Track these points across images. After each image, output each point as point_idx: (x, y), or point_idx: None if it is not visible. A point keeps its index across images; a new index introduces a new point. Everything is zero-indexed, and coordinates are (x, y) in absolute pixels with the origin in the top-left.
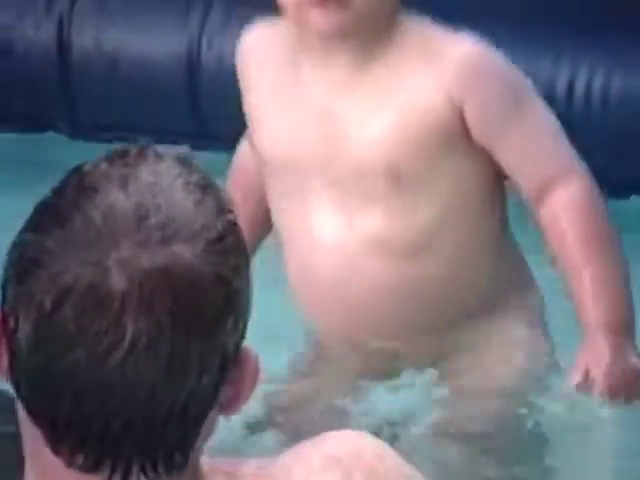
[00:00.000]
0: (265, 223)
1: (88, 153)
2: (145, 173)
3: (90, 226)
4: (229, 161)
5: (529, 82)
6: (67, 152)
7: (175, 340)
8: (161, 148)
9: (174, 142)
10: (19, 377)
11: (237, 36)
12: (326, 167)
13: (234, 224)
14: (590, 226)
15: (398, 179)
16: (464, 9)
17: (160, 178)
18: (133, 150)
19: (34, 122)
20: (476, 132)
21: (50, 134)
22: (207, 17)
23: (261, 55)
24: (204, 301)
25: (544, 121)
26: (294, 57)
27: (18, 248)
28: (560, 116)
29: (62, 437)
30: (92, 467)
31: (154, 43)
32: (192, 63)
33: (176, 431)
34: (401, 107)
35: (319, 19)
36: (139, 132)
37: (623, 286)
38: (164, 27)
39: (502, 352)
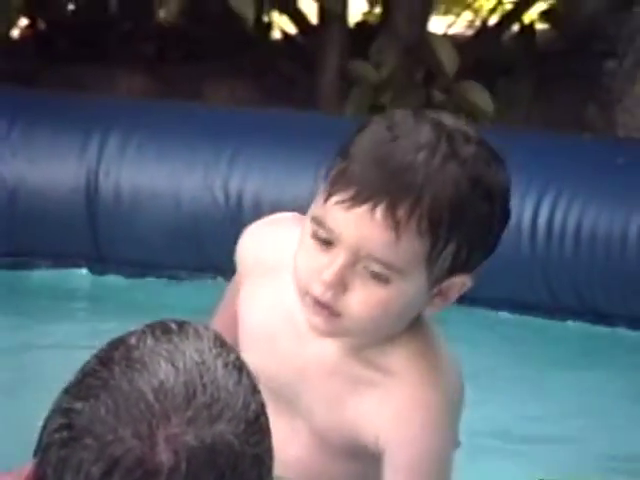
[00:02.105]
0: None
1: None
2: (190, 351)
3: (142, 400)
4: (126, 284)
5: (449, 451)
6: None
7: None
8: (197, 325)
9: (73, 265)
10: None
11: (133, 164)
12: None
13: (263, 404)
14: None
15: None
16: None
17: (204, 357)
18: (174, 326)
19: None
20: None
21: None
22: (104, 147)
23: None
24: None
25: None
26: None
27: (66, 415)
28: None
29: None
30: None
31: (53, 173)
32: (90, 191)
33: None
34: (347, 421)
35: (315, 319)
36: (39, 257)
37: None
38: (63, 158)
39: None
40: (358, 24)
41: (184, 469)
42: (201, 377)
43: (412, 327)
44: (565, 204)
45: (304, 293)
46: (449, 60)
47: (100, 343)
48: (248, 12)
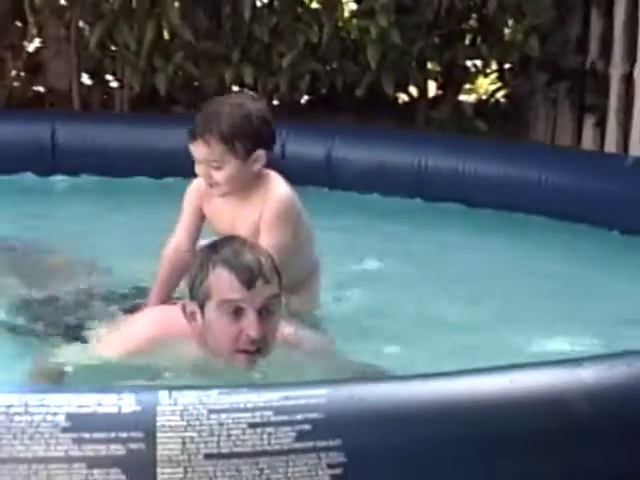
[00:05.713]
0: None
1: None
2: None
3: None
4: None
5: (296, 215)
6: None
7: None
8: None
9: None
10: None
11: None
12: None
13: None
14: None
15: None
16: None
17: None
18: None
19: None
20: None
21: None
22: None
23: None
24: None
25: (281, 238)
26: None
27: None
28: None
29: None
30: None
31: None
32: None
33: None
34: (248, 216)
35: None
36: None
37: None
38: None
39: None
40: (432, 97)
41: None
42: None
43: (257, 176)
44: None
45: (207, 178)
46: (468, 109)
47: None
48: (390, 90)
